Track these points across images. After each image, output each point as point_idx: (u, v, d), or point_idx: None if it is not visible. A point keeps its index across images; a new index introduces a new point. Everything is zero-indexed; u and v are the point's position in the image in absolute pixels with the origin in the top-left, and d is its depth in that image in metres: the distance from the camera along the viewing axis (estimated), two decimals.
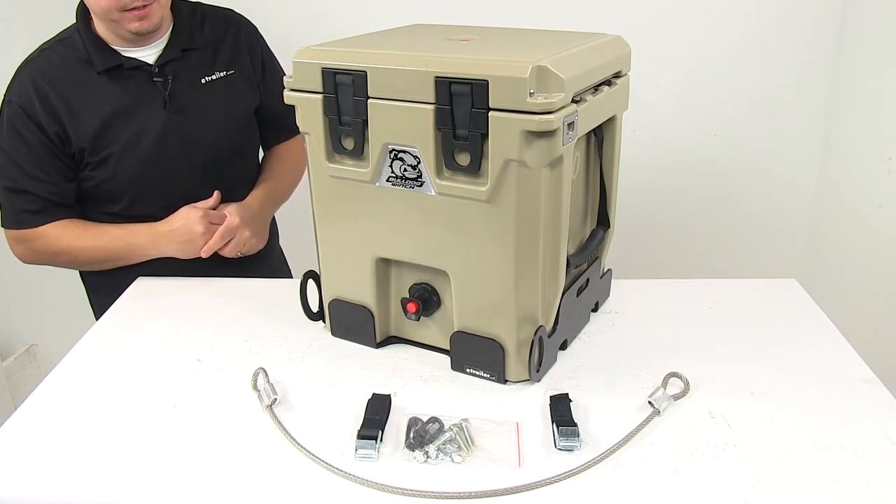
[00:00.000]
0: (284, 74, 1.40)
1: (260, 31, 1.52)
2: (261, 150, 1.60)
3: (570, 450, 0.90)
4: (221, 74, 1.41)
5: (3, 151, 1.32)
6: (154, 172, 1.36)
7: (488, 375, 1.04)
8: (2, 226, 1.38)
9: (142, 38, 1.33)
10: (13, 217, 1.35)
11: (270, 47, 1.53)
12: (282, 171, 1.55)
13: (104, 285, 1.42)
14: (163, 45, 1.36)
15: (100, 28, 1.34)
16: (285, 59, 1.19)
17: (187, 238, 1.34)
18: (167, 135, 1.35)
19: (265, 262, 1.55)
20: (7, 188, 1.34)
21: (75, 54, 1.33)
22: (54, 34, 1.38)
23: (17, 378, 1.95)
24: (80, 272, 1.53)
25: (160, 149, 1.35)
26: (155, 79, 1.34)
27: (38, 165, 1.31)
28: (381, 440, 0.91)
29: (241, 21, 1.49)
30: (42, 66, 1.33)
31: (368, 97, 0.98)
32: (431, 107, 0.94)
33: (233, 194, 1.44)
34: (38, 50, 1.36)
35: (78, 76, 1.32)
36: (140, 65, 1.34)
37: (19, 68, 1.34)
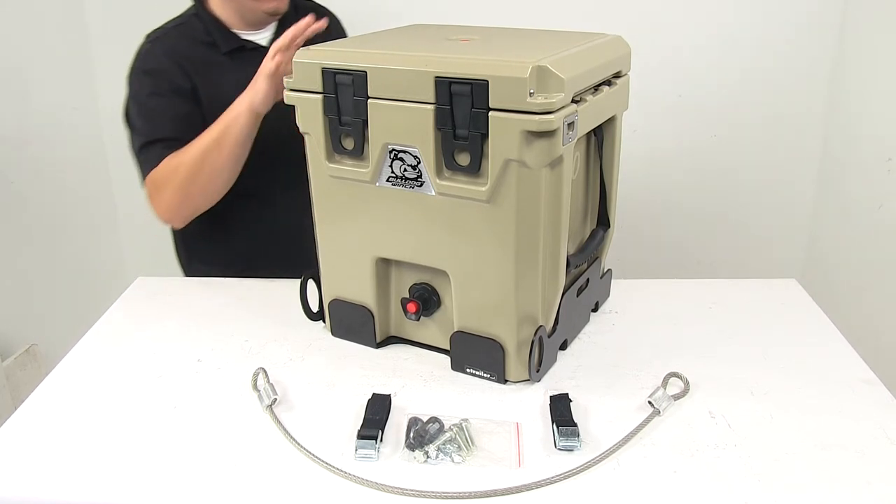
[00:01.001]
0: None
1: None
2: None
3: (570, 450, 0.90)
4: None
5: (146, 110, 1.34)
6: (258, 146, 1.33)
7: (488, 375, 1.04)
8: (143, 177, 1.37)
9: (262, 21, 1.38)
10: (152, 165, 1.34)
11: None
12: None
13: (203, 252, 1.46)
14: (272, 30, 1.41)
15: (220, 11, 1.38)
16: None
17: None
18: (285, 123, 1.30)
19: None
20: (148, 142, 1.34)
21: (198, 37, 1.38)
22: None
23: (17, 378, 1.95)
24: (177, 241, 1.54)
25: (277, 138, 1.30)
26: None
27: (179, 118, 1.33)
28: (381, 440, 0.91)
29: (328, 12, 1.51)
30: (171, 44, 1.37)
31: (368, 97, 0.98)
32: (431, 107, 0.94)
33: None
34: (158, 30, 1.40)
35: (204, 57, 1.36)
36: (257, 46, 1.38)
37: (145, 45, 1.38)
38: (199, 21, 1.39)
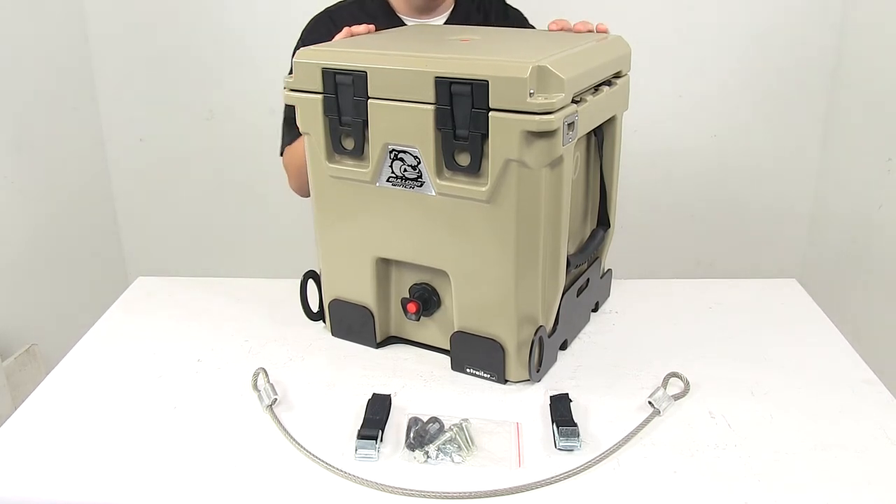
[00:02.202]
0: None
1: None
2: None
3: (570, 450, 0.90)
4: None
5: None
6: None
7: (488, 375, 1.04)
8: (280, 153, 1.43)
9: (429, 8, 1.38)
10: (284, 143, 1.41)
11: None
12: None
13: None
14: (443, 20, 1.41)
15: None
16: (285, 59, 1.19)
17: None
18: None
19: None
20: (286, 118, 1.38)
21: (366, 19, 1.37)
22: None
23: (17, 378, 1.94)
24: None
25: None
26: None
27: None
28: (381, 440, 0.91)
29: (510, 6, 1.50)
30: (339, 17, 1.41)
31: (368, 97, 0.98)
32: (431, 107, 0.94)
33: None
34: (336, 4, 1.45)
35: None
36: None
37: (318, 14, 1.43)
38: (371, 2, 1.41)
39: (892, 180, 2.12)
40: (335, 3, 1.46)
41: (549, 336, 1.03)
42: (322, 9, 1.46)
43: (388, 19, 1.39)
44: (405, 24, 1.39)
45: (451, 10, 1.42)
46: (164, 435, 0.94)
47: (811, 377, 1.04)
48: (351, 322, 1.13)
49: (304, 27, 1.45)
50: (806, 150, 2.17)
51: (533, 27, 1.50)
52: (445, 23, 1.41)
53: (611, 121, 1.10)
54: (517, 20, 1.51)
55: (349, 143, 1.02)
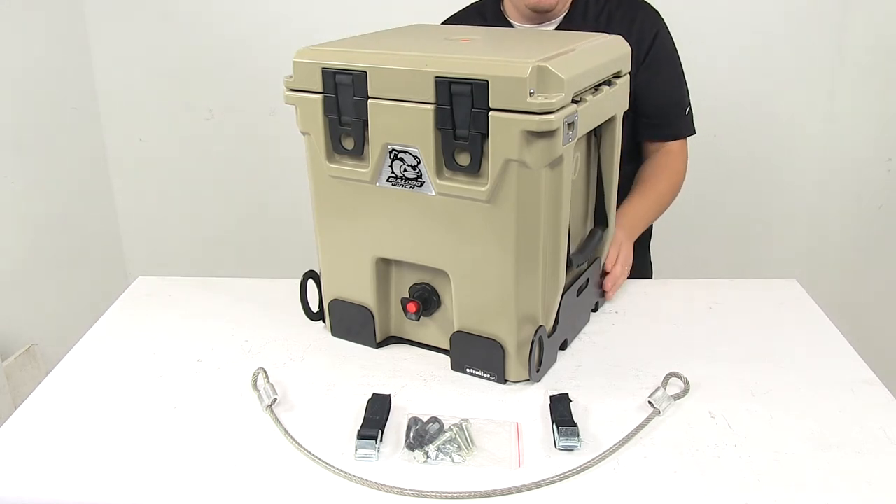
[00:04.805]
0: (677, 76, 1.43)
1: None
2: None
3: (570, 450, 0.90)
4: None
5: None
6: None
7: (488, 375, 1.04)
8: None
9: (539, 16, 1.38)
10: None
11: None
12: (659, 185, 1.45)
13: None
14: (553, 28, 1.40)
15: (506, 1, 1.42)
16: (286, 60, 1.19)
17: None
18: None
19: None
20: None
21: (482, 22, 1.43)
22: None
23: (17, 378, 1.94)
24: None
25: None
26: None
27: None
28: (381, 440, 0.91)
29: (644, 8, 1.45)
30: (457, 18, 1.47)
31: (368, 97, 0.98)
32: (431, 107, 0.94)
33: None
34: (459, 11, 1.50)
35: None
36: None
37: (447, 21, 1.47)
38: (489, 6, 1.44)
39: (892, 180, 2.12)
40: (461, 8, 1.50)
41: (549, 336, 1.03)
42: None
43: (497, 24, 1.40)
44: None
45: (562, 17, 1.40)
46: (164, 435, 0.94)
47: (811, 377, 1.04)
48: (351, 322, 1.13)
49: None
50: (806, 150, 2.17)
51: (667, 33, 1.43)
52: (557, 28, 1.39)
53: (610, 121, 1.10)
54: (647, 24, 1.41)
55: (349, 143, 1.02)
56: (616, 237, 1.25)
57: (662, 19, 1.45)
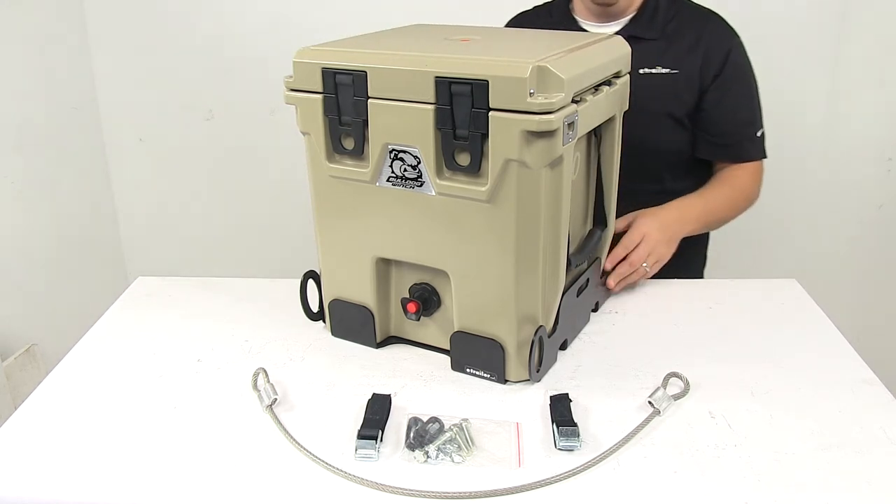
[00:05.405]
0: (749, 97, 1.38)
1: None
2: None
3: (570, 450, 0.90)
4: (663, 71, 1.36)
5: None
6: None
7: (488, 375, 1.04)
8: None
9: (605, 15, 1.37)
10: None
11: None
12: (716, 194, 1.40)
13: None
14: (619, 28, 1.38)
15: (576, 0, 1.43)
16: (286, 60, 1.19)
17: None
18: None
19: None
20: None
21: (549, 20, 1.43)
22: None
23: (17, 378, 1.94)
24: None
25: None
26: None
27: None
28: (381, 440, 0.91)
29: (715, 22, 1.41)
30: (527, 16, 1.48)
31: (368, 97, 0.98)
32: (431, 107, 0.94)
33: (639, 192, 1.30)
34: (530, 9, 1.50)
35: None
36: None
37: (513, 21, 1.48)
38: (559, 4, 1.43)
39: (892, 180, 2.12)
40: (532, 6, 1.51)
41: (549, 336, 1.03)
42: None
43: (566, 25, 1.40)
44: (584, 31, 1.38)
45: (630, 17, 1.39)
46: (164, 435, 0.94)
47: (811, 377, 1.04)
48: (351, 322, 1.13)
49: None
50: (806, 150, 2.17)
51: (741, 51, 1.40)
52: (621, 30, 1.36)
53: (610, 121, 1.10)
54: (719, 40, 1.38)
55: (349, 143, 1.02)
56: (641, 222, 1.22)
57: (736, 35, 1.40)
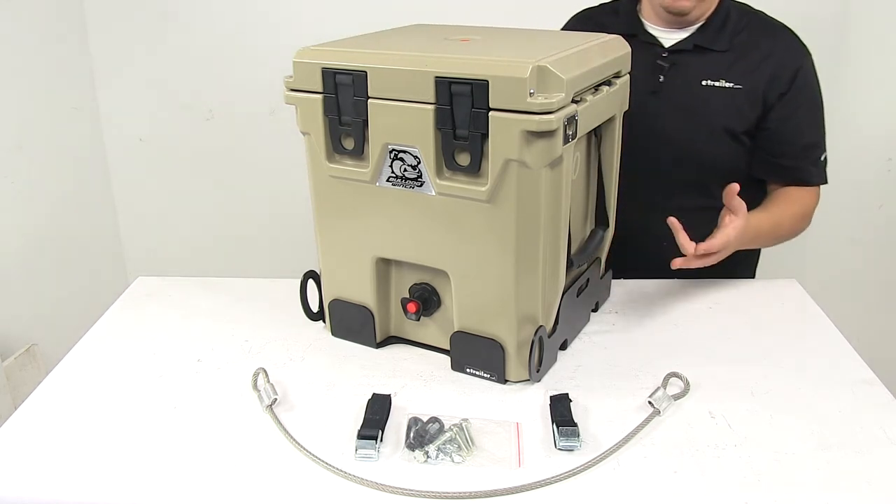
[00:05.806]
0: (815, 119, 1.35)
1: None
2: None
3: (570, 450, 0.90)
4: (726, 85, 1.31)
5: None
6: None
7: (488, 375, 1.04)
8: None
9: (674, 22, 1.32)
10: None
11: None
12: (784, 214, 1.34)
13: None
14: (687, 35, 1.33)
15: (644, 2, 1.38)
16: (286, 60, 1.19)
17: None
18: (643, 120, 1.26)
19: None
20: None
21: (614, 19, 1.39)
22: None
23: (17, 378, 1.94)
24: None
25: (631, 131, 1.21)
26: (658, 61, 1.32)
27: None
28: (381, 440, 0.91)
29: (787, 37, 1.36)
30: (591, 13, 1.45)
31: (368, 97, 0.98)
32: (431, 107, 0.94)
33: (686, 207, 1.27)
34: (596, 7, 1.46)
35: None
36: (654, 42, 1.33)
37: (578, 16, 1.46)
38: (626, 4, 1.39)
39: (892, 180, 2.12)
40: (598, 3, 1.47)
41: (549, 336, 1.03)
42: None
43: (632, 27, 1.34)
44: (650, 34, 1.34)
45: (699, 26, 1.33)
46: (164, 435, 0.94)
47: (811, 377, 1.04)
48: (351, 322, 1.13)
49: (564, 25, 1.46)
50: None
51: (811, 70, 1.35)
52: (689, 38, 1.32)
53: (611, 121, 1.10)
54: (788, 57, 1.33)
55: (349, 143, 1.02)
56: (735, 226, 1.17)
57: (808, 53, 1.35)
